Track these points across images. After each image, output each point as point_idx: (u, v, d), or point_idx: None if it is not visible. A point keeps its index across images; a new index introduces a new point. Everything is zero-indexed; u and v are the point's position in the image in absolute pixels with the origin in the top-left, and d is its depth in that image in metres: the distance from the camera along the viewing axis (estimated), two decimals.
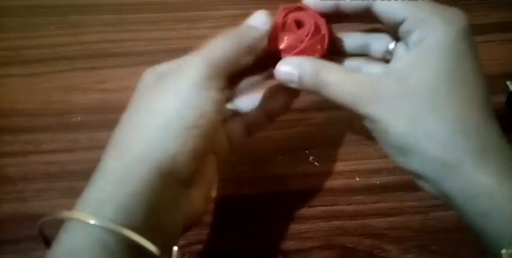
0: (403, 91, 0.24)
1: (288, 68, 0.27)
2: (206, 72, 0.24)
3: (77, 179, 0.37)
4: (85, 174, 0.37)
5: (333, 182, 0.37)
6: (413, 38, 0.25)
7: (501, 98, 0.42)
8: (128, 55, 0.47)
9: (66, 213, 0.22)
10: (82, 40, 0.48)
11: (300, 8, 0.28)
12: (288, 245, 0.34)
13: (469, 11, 0.56)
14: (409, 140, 0.23)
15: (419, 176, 0.25)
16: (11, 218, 0.35)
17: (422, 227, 0.34)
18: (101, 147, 0.39)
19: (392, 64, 0.26)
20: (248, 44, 0.27)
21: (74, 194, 0.36)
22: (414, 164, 0.24)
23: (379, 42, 0.29)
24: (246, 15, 0.53)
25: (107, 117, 0.42)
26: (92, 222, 0.21)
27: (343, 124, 0.41)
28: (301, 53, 0.27)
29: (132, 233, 0.21)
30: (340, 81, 0.25)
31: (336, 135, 0.41)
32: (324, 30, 0.28)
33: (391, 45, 0.28)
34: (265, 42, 0.28)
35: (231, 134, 0.30)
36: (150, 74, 0.27)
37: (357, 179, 0.37)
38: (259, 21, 0.27)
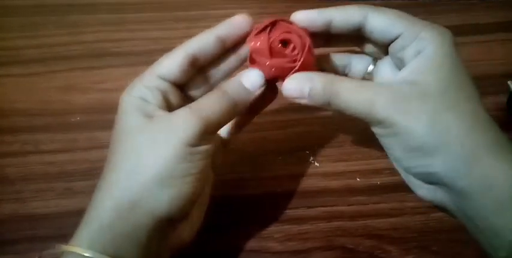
0: (417, 93, 0.25)
1: (297, 84, 0.27)
2: (198, 136, 0.25)
3: (76, 179, 0.37)
4: (84, 174, 0.37)
5: (333, 183, 0.37)
6: (410, 51, 0.26)
7: (502, 98, 0.42)
8: (127, 55, 0.47)
9: (65, 247, 0.24)
10: (81, 40, 0.48)
11: (273, 23, 0.28)
12: (288, 245, 0.34)
13: (470, 10, 0.57)
14: (431, 138, 0.24)
15: (437, 178, 0.25)
16: (10, 219, 0.35)
17: (423, 227, 0.34)
18: (100, 147, 0.39)
19: (399, 73, 0.27)
20: (240, 110, 0.28)
21: (72, 195, 0.36)
22: (436, 164, 0.24)
23: (360, 63, 0.31)
24: None
25: (106, 117, 0.41)
26: (87, 255, 0.23)
27: (344, 124, 0.41)
28: (299, 71, 0.27)
29: None
30: (355, 88, 0.26)
31: (336, 135, 0.41)
32: (305, 37, 0.27)
33: (371, 67, 0.30)
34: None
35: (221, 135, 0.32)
36: (129, 102, 0.27)
37: (358, 179, 0.37)
38: (254, 83, 0.28)
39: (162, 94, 0.27)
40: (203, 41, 0.28)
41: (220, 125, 0.27)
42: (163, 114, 0.26)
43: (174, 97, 0.28)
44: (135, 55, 0.47)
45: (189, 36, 0.49)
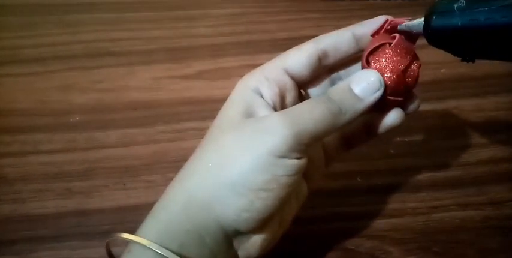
0: None
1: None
2: (288, 145, 0.23)
3: (74, 179, 0.37)
4: (83, 174, 0.37)
5: (333, 183, 0.37)
6: None
7: (503, 98, 0.42)
8: (126, 54, 0.47)
9: (132, 237, 0.23)
10: (80, 39, 0.48)
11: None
12: (288, 246, 0.34)
13: None
14: None
15: None
16: (8, 219, 0.34)
17: (424, 228, 0.34)
18: (99, 147, 0.39)
19: None
20: (346, 121, 0.24)
21: (71, 195, 0.36)
22: None
23: None
24: (246, 14, 0.52)
25: (105, 117, 0.42)
26: (152, 248, 0.22)
27: None
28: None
29: None
30: None
31: None
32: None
33: None
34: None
35: (327, 146, 0.29)
36: (240, 93, 0.25)
37: (358, 179, 0.37)
38: (365, 88, 0.24)
39: (279, 90, 0.25)
40: (337, 37, 0.26)
41: (319, 136, 0.24)
42: (262, 114, 0.24)
43: (291, 96, 0.26)
44: (134, 54, 0.47)
45: (189, 35, 0.49)
